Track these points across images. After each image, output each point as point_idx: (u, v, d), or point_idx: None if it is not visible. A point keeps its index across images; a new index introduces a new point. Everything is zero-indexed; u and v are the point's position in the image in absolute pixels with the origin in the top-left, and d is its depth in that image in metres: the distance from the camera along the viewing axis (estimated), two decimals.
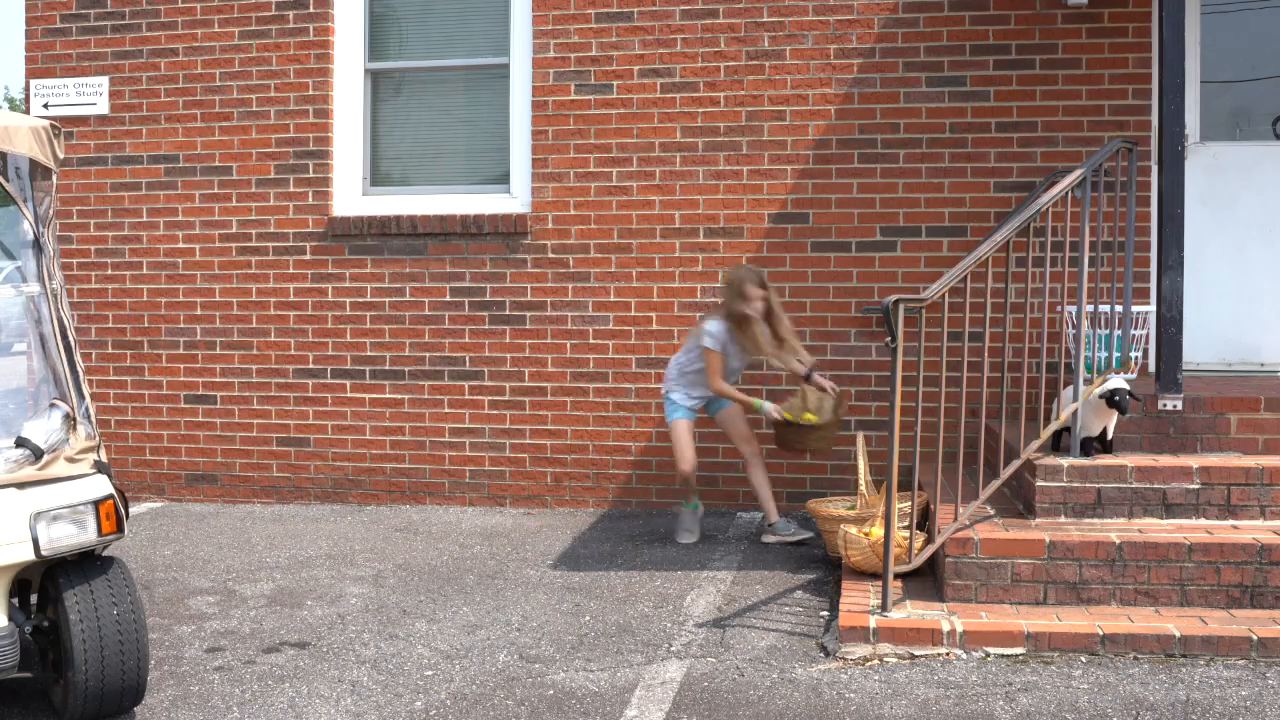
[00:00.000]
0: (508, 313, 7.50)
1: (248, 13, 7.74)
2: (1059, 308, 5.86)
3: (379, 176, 7.90)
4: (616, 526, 6.97)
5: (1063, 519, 5.21)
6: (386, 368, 7.67)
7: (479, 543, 6.63)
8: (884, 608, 4.83)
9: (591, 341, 7.41)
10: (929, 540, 5.14)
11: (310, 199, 7.71)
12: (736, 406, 6.50)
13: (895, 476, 4.90)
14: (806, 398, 6.49)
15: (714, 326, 6.35)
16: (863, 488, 5.99)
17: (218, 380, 7.86)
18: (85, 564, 4.05)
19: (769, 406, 6.37)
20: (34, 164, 4.24)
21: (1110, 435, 5.39)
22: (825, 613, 5.22)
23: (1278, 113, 6.96)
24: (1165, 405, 5.49)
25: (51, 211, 4.29)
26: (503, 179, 7.68)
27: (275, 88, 7.71)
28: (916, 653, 4.63)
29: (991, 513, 5.40)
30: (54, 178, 4.32)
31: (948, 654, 4.62)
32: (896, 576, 5.09)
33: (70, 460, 4.02)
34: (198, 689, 4.44)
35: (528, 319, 7.48)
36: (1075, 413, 5.35)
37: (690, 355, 6.48)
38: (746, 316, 6.27)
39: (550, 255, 7.44)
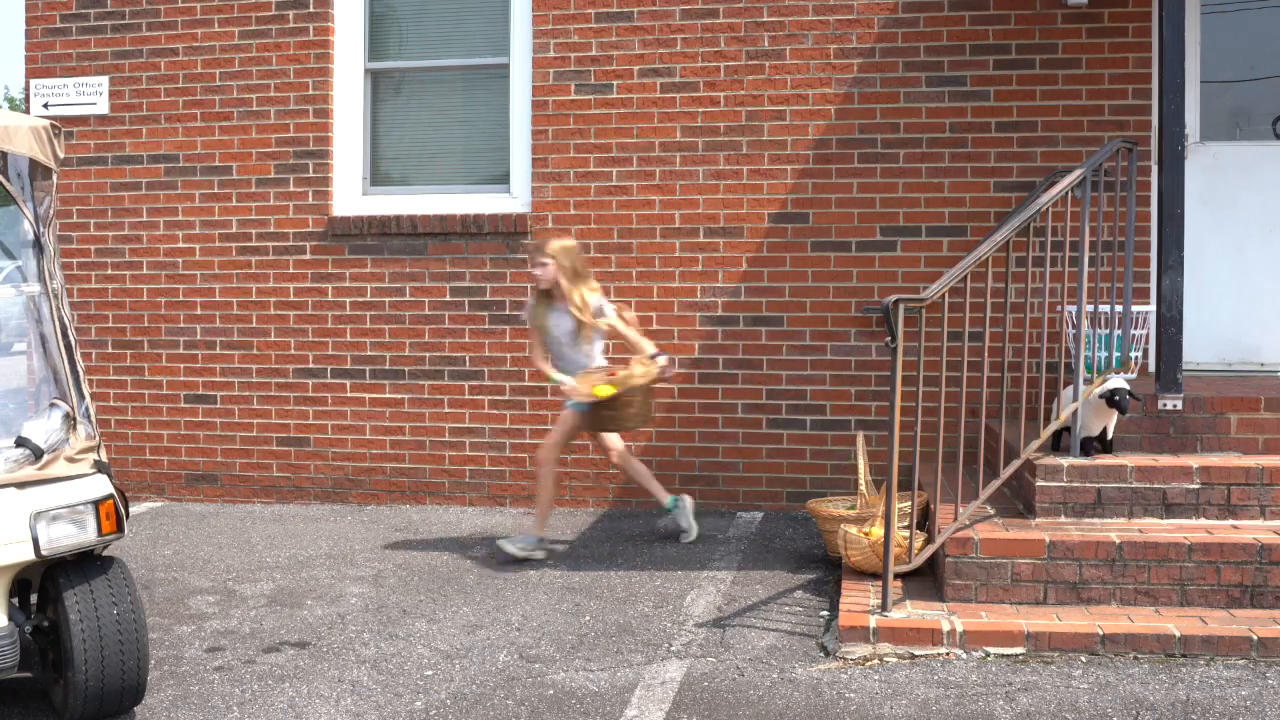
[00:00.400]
0: (508, 312, 7.50)
1: (247, 12, 7.74)
2: (1059, 307, 5.86)
3: (379, 176, 7.90)
4: (616, 526, 6.97)
5: (1063, 519, 5.21)
6: (386, 367, 7.67)
7: (479, 542, 6.63)
8: (884, 608, 4.83)
9: None
10: (929, 540, 5.15)
11: (310, 199, 7.71)
12: (571, 414, 6.27)
13: (895, 476, 4.90)
14: (632, 372, 6.22)
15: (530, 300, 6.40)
16: (863, 487, 5.98)
17: (218, 380, 7.86)
18: (85, 564, 4.05)
19: (564, 381, 6.19)
20: (34, 163, 4.24)
21: (1110, 435, 5.39)
22: (825, 612, 5.22)
23: (1278, 113, 6.96)
24: (1165, 405, 5.49)
25: (52, 211, 4.29)
26: (503, 179, 7.68)
27: (275, 87, 7.71)
28: (916, 652, 4.63)
29: (991, 512, 5.40)
30: (54, 177, 4.32)
31: (948, 654, 4.62)
32: (896, 576, 5.09)
33: (70, 460, 4.02)
34: (198, 689, 4.44)
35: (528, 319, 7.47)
36: (1075, 413, 5.34)
37: None
38: (533, 277, 6.32)
39: None
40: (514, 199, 7.60)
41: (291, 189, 7.73)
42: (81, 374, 4.19)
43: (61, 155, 4.33)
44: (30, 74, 8.05)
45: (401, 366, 7.65)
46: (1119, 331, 5.79)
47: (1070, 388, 5.39)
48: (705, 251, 7.28)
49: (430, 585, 5.78)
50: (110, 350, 7.98)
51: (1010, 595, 4.93)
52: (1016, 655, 4.58)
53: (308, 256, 7.72)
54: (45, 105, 8.00)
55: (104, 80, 7.92)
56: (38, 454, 3.96)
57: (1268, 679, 4.30)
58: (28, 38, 8.04)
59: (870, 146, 7.12)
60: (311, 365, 7.75)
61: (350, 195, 7.77)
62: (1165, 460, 5.26)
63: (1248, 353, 6.91)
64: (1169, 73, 5.41)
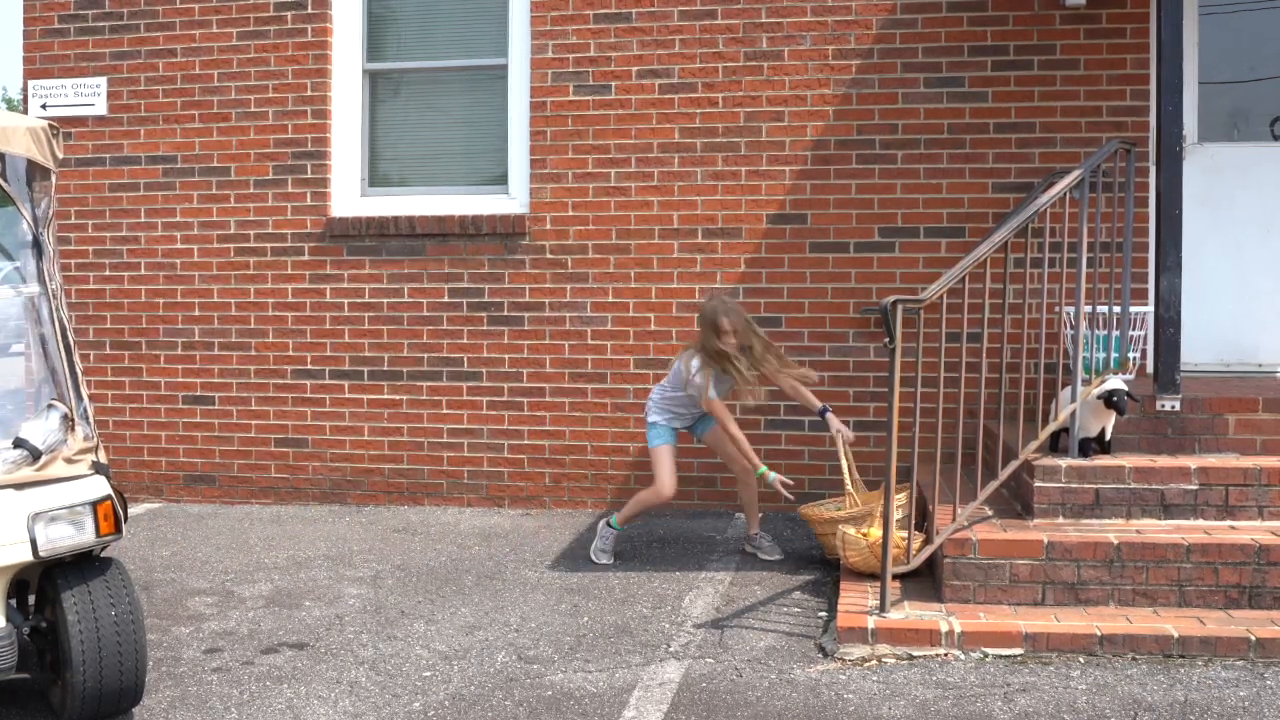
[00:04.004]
0: (506, 314, 7.50)
1: (246, 14, 7.74)
2: (1057, 308, 5.86)
3: (377, 177, 7.90)
4: None
5: (1061, 520, 5.21)
6: (385, 369, 7.67)
7: (477, 543, 6.63)
8: (882, 608, 4.83)
9: (590, 342, 7.41)
10: (927, 541, 5.15)
11: (308, 200, 7.71)
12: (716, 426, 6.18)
13: (894, 477, 4.90)
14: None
15: (696, 371, 5.93)
16: (849, 487, 5.95)
17: (216, 381, 7.85)
18: (83, 565, 4.04)
19: (773, 477, 5.90)
20: (32, 165, 4.24)
21: (1108, 436, 5.39)
22: (823, 613, 5.22)
23: (1275, 113, 6.97)
24: (1163, 406, 5.50)
25: (50, 212, 4.29)
26: (501, 180, 7.68)
27: (273, 88, 7.72)
28: (915, 653, 4.63)
29: (990, 513, 5.40)
30: (52, 178, 4.32)
31: (946, 655, 4.62)
32: (895, 577, 5.09)
33: (68, 461, 4.02)
34: (196, 690, 4.43)
35: (526, 320, 7.48)
36: (1073, 413, 5.35)
37: (673, 385, 6.11)
38: (723, 353, 5.86)
39: (548, 256, 7.44)
40: (512, 200, 7.60)
41: (290, 190, 7.73)
42: (80, 375, 4.19)
43: (60, 156, 4.33)
44: (28, 75, 8.05)
45: (400, 368, 7.65)
46: (1117, 332, 5.79)
47: (1068, 389, 5.39)
48: (703, 253, 7.28)
49: (428, 586, 5.78)
50: (108, 351, 7.98)
51: (1008, 596, 4.94)
52: (1015, 656, 4.59)
53: (306, 258, 7.72)
54: (43, 106, 8.00)
55: (102, 81, 7.92)
56: (36, 455, 3.96)
57: (1266, 680, 4.31)
58: (26, 39, 8.04)
59: (868, 148, 7.12)
60: (310, 366, 7.75)
61: (348, 196, 7.77)
62: (1163, 461, 5.26)
63: (1246, 353, 6.91)
64: (1167, 73, 5.42)
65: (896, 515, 5.09)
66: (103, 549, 4.12)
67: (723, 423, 6.00)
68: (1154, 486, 5.18)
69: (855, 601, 4.99)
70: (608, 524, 6.24)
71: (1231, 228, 6.90)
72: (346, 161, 7.77)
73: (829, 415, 5.97)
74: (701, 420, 6.27)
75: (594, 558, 6.18)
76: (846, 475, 5.96)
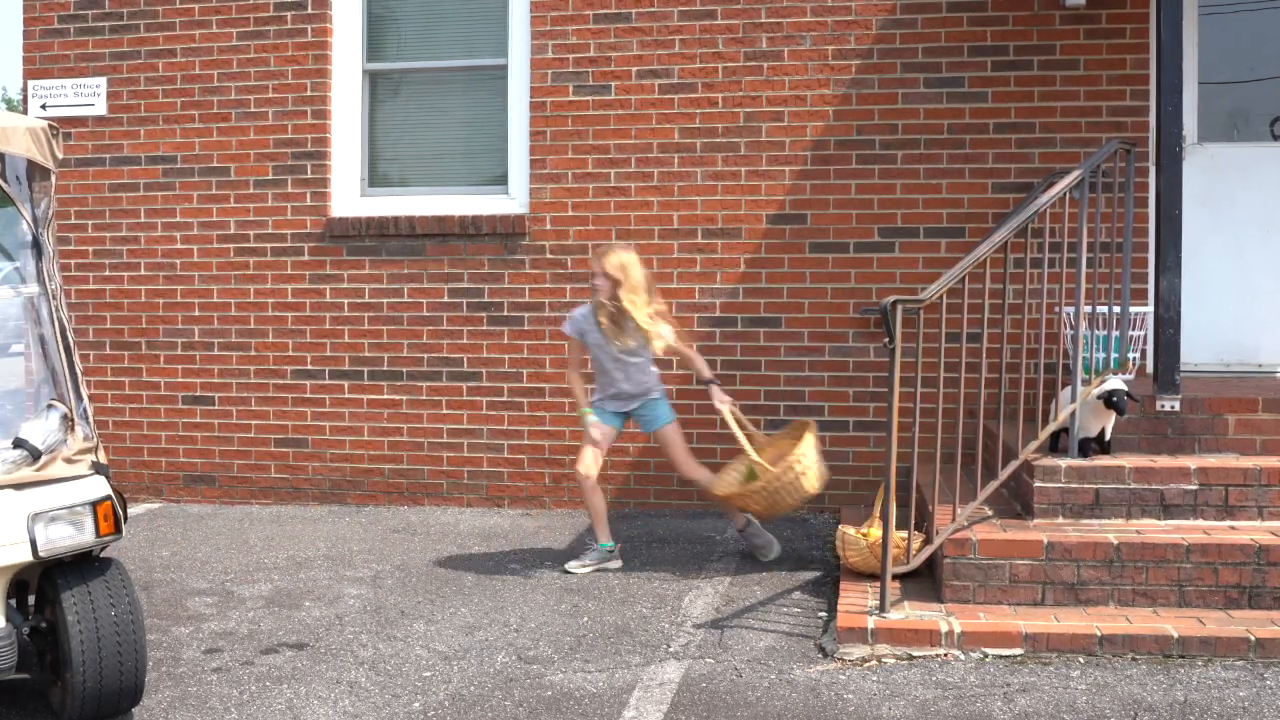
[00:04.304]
0: (506, 314, 7.50)
1: (246, 14, 7.74)
2: (1057, 309, 5.86)
3: (377, 177, 7.90)
4: (614, 528, 6.93)
5: (1061, 520, 5.21)
6: (385, 369, 7.67)
7: (477, 543, 6.63)
8: (882, 609, 4.83)
9: None
10: (927, 541, 5.15)
11: (308, 200, 7.70)
12: (675, 425, 6.17)
13: (894, 478, 4.90)
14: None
15: (578, 310, 6.07)
16: (750, 451, 5.90)
17: (216, 381, 7.85)
18: (83, 565, 4.04)
19: (591, 419, 5.99)
20: (32, 165, 4.24)
21: (1108, 436, 5.39)
22: (823, 613, 5.22)
23: (1275, 113, 6.97)
24: (1163, 406, 5.50)
25: (50, 212, 4.29)
26: (501, 180, 7.68)
27: (273, 89, 7.71)
28: (915, 653, 4.63)
29: (990, 514, 5.40)
30: (52, 178, 4.32)
31: (946, 655, 4.62)
32: (895, 577, 5.09)
33: (68, 461, 4.02)
34: (195, 690, 4.43)
35: (526, 320, 7.48)
36: (1073, 414, 5.35)
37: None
38: (599, 301, 5.93)
39: (548, 256, 7.44)
40: (512, 200, 7.60)
41: (289, 190, 7.73)
42: (80, 375, 4.19)
43: (59, 156, 4.33)
44: (28, 75, 8.05)
45: (399, 368, 7.65)
46: (1117, 333, 5.79)
47: (1068, 389, 5.39)
48: (703, 253, 7.28)
49: (428, 586, 5.78)
50: (108, 351, 7.98)
51: (1008, 596, 4.94)
52: (1015, 656, 4.59)
53: (306, 258, 7.72)
54: (43, 106, 7.99)
55: (102, 81, 7.92)
56: (35, 455, 3.96)
57: (1265, 680, 4.31)
58: (25, 39, 8.04)
59: (868, 148, 7.12)
60: (309, 367, 7.75)
61: (348, 196, 7.77)
62: (1163, 461, 5.26)
63: (1246, 354, 6.91)
64: (1167, 74, 5.42)
65: (805, 463, 5.37)
66: (102, 549, 4.12)
67: (568, 365, 6.20)
68: (1154, 487, 5.18)
69: (855, 601, 5.00)
70: (592, 538, 6.18)
71: (1231, 228, 6.90)
72: (346, 162, 7.77)
73: (714, 388, 6.06)
74: (646, 412, 6.13)
75: (568, 567, 6.05)
76: (746, 444, 5.92)
